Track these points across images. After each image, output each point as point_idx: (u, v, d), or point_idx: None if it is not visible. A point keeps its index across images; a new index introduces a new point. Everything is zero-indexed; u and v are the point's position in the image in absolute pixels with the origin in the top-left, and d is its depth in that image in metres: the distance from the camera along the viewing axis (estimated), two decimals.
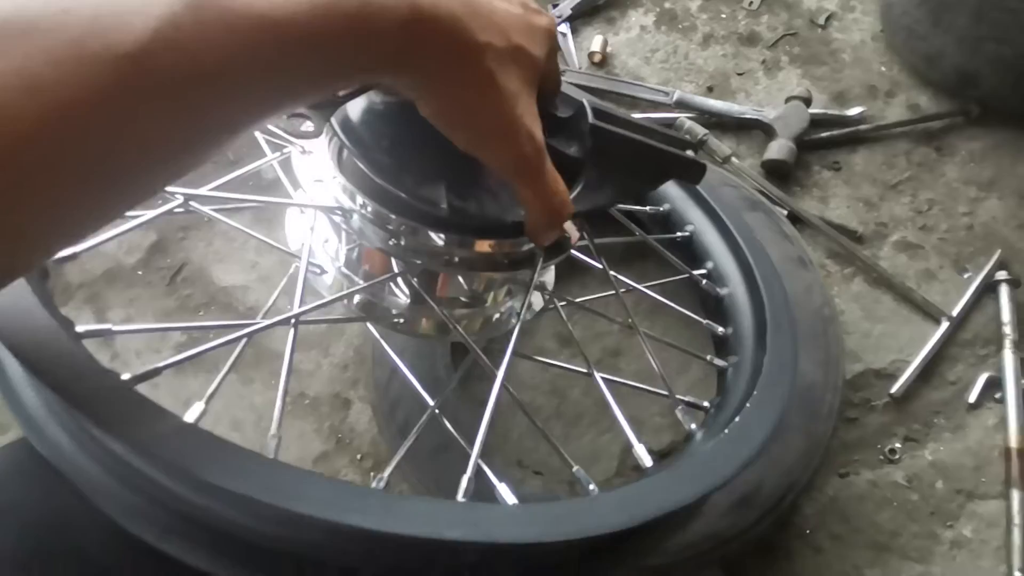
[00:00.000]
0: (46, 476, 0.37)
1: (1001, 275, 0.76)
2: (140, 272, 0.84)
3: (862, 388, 0.74)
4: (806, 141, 0.86)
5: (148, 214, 0.46)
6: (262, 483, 0.31)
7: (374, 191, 0.42)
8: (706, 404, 0.57)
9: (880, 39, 0.94)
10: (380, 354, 0.72)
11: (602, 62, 0.96)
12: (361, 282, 0.49)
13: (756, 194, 0.81)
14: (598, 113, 0.42)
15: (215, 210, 0.50)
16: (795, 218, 0.82)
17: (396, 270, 0.48)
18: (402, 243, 0.44)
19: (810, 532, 0.68)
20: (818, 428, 0.67)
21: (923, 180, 0.85)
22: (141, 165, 0.25)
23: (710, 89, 0.93)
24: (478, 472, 0.40)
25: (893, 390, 0.72)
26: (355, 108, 0.41)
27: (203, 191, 0.48)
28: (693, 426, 0.53)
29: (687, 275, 0.64)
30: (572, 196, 0.41)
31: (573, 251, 0.51)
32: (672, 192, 0.71)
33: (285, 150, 0.53)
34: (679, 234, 0.68)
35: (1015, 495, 0.66)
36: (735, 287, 0.64)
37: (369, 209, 0.43)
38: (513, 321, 0.53)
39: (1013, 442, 0.68)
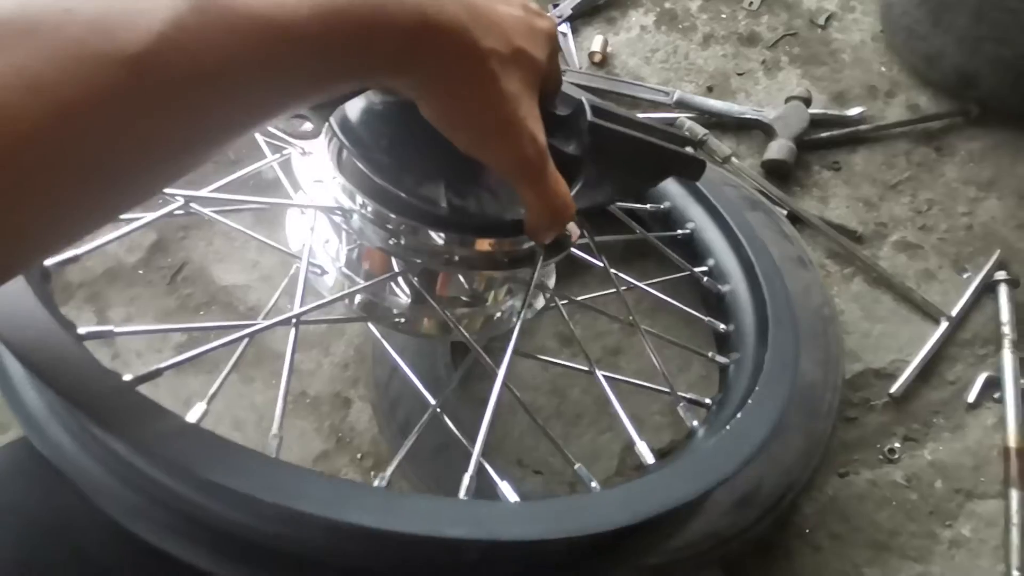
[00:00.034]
0: (47, 475, 0.37)
1: (1000, 275, 0.76)
2: (141, 271, 0.85)
3: (862, 388, 0.74)
4: (806, 141, 0.86)
5: (149, 216, 0.46)
6: (263, 481, 0.31)
7: (374, 191, 0.42)
8: (708, 401, 0.57)
9: (880, 39, 0.94)
10: (380, 353, 0.72)
11: (602, 62, 0.96)
12: (362, 282, 0.49)
13: (756, 194, 0.81)
14: (597, 111, 0.42)
15: (216, 212, 0.50)
16: (795, 218, 0.82)
17: (396, 270, 0.48)
18: (402, 242, 0.44)
19: (809, 531, 0.68)
20: (818, 427, 0.68)
21: (923, 180, 0.85)
22: (141, 165, 0.25)
23: (710, 89, 0.93)
24: (479, 470, 0.40)
25: (892, 390, 0.73)
26: (354, 108, 0.42)
27: (204, 193, 0.48)
28: (695, 423, 0.53)
29: (688, 272, 0.64)
30: (572, 194, 0.41)
31: (574, 249, 0.51)
32: (672, 190, 0.71)
33: (285, 151, 0.53)
34: (680, 232, 0.68)
35: (1014, 494, 0.66)
36: (736, 284, 0.64)
37: (369, 209, 0.43)
38: (514, 320, 0.54)
39: (1012, 442, 0.69)
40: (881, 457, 0.71)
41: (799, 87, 0.91)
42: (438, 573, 0.38)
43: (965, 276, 0.78)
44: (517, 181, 0.38)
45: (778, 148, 0.84)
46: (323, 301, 0.46)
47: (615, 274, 0.57)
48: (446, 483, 0.64)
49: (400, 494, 0.34)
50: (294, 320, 0.43)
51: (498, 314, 0.54)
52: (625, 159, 0.45)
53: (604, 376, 0.52)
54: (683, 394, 0.55)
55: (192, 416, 0.37)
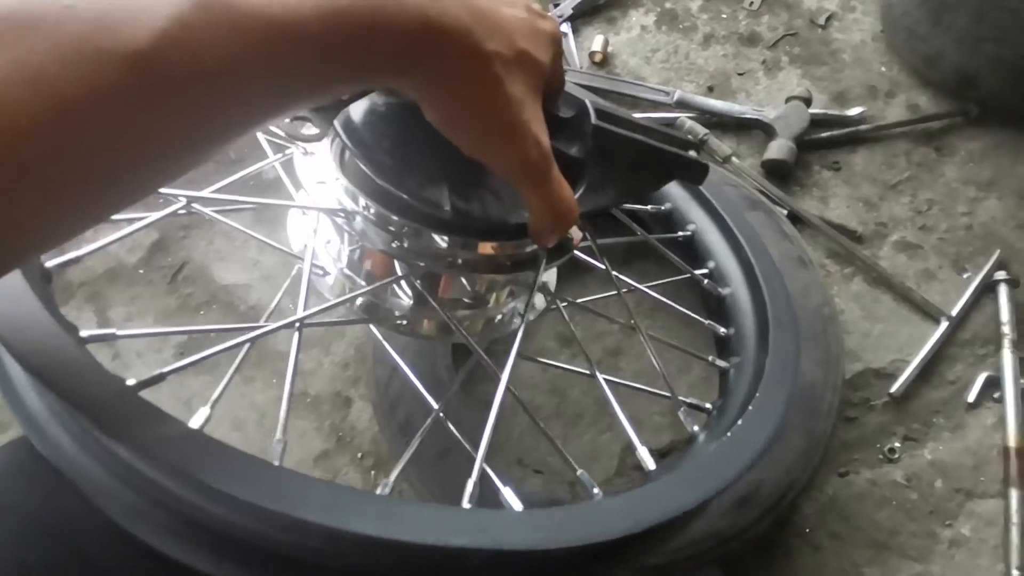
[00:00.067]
0: (47, 475, 0.37)
1: (1000, 275, 0.77)
2: (141, 271, 0.85)
3: (862, 387, 0.74)
4: (806, 141, 0.86)
5: (151, 216, 0.46)
6: (267, 489, 0.31)
7: (377, 193, 0.42)
8: (708, 406, 0.57)
9: (880, 39, 0.94)
10: (381, 353, 0.72)
11: (603, 62, 0.96)
12: (363, 283, 0.49)
13: (756, 194, 0.81)
14: (600, 113, 0.42)
15: (217, 212, 0.50)
16: (795, 218, 0.82)
17: (399, 272, 0.48)
18: (405, 245, 0.44)
19: (809, 531, 0.68)
20: (818, 427, 0.68)
21: (923, 180, 0.85)
22: (141, 164, 0.25)
23: (710, 89, 0.93)
24: (482, 476, 0.40)
25: (892, 389, 0.73)
26: (357, 109, 0.41)
27: (205, 193, 0.48)
28: (696, 428, 0.54)
29: (689, 275, 0.64)
30: (575, 197, 0.41)
31: (575, 251, 0.51)
32: (673, 191, 0.71)
33: (287, 151, 0.53)
34: (680, 234, 0.68)
35: (1013, 494, 0.66)
36: (737, 287, 0.64)
37: (372, 211, 0.43)
38: (515, 322, 0.54)
39: (1012, 441, 0.69)
40: (881, 457, 0.71)
41: (799, 87, 0.91)
42: None
43: (965, 276, 0.79)
44: (521, 184, 0.38)
45: (778, 148, 0.84)
46: (327, 305, 0.45)
47: (616, 276, 0.57)
48: (449, 487, 0.64)
49: (404, 501, 0.34)
50: (298, 324, 0.43)
51: (499, 316, 0.54)
52: (629, 163, 0.44)
53: (605, 380, 0.52)
54: (684, 399, 0.55)
55: (196, 421, 0.37)
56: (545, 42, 0.37)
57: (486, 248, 0.45)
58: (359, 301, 0.50)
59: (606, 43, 0.96)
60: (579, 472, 0.46)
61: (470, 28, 0.31)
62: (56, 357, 0.34)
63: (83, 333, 0.38)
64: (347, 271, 0.49)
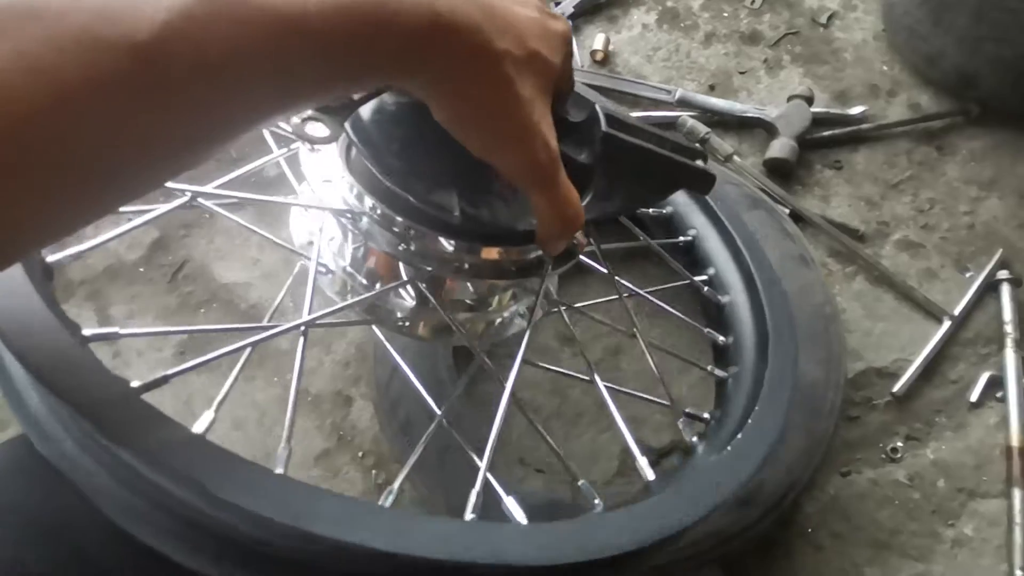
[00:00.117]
0: (47, 475, 0.37)
1: (1002, 274, 0.76)
2: (142, 269, 0.84)
3: (864, 387, 0.74)
4: (808, 140, 0.86)
5: (155, 211, 0.46)
6: (272, 500, 0.31)
7: (384, 194, 0.42)
8: (706, 416, 0.58)
9: (882, 38, 0.94)
10: (382, 352, 0.72)
11: (604, 60, 0.96)
12: (364, 281, 0.49)
13: (758, 192, 0.81)
14: (611, 120, 0.42)
15: (222, 207, 0.50)
16: (797, 217, 0.82)
17: (404, 274, 0.48)
18: (411, 248, 0.43)
19: (811, 530, 0.68)
20: (820, 426, 0.67)
21: (924, 179, 0.85)
22: (142, 157, 0.25)
23: (712, 87, 0.93)
24: (485, 484, 0.41)
25: (895, 389, 0.72)
26: (366, 108, 0.41)
27: (210, 188, 0.48)
28: (694, 439, 0.54)
29: (688, 281, 0.64)
30: (583, 204, 0.41)
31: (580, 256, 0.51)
32: (675, 195, 0.70)
33: (293, 146, 0.53)
34: (681, 239, 0.68)
35: (1017, 494, 0.66)
36: (736, 295, 0.64)
37: (378, 212, 0.43)
38: (516, 324, 0.53)
39: (1015, 441, 0.69)
40: (883, 456, 0.71)
41: (801, 86, 0.90)
42: None
43: (967, 275, 0.78)
44: (529, 187, 0.37)
45: (780, 147, 0.84)
46: (333, 308, 0.45)
47: (618, 281, 0.57)
48: (450, 487, 0.64)
49: (409, 514, 0.34)
50: (303, 327, 0.43)
51: (500, 319, 0.54)
52: (636, 171, 0.44)
53: (605, 386, 0.51)
54: (683, 409, 0.56)
55: (199, 425, 0.37)
56: (556, 43, 0.36)
57: (492, 253, 0.45)
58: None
59: (607, 42, 0.96)
60: (580, 482, 0.47)
61: (481, 26, 0.31)
62: (58, 357, 0.33)
63: (85, 332, 0.37)
64: (349, 269, 0.49)
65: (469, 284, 0.50)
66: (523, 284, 0.52)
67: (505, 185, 0.41)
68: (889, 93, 0.90)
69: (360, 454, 0.74)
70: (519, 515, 0.42)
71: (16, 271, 0.36)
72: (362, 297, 0.48)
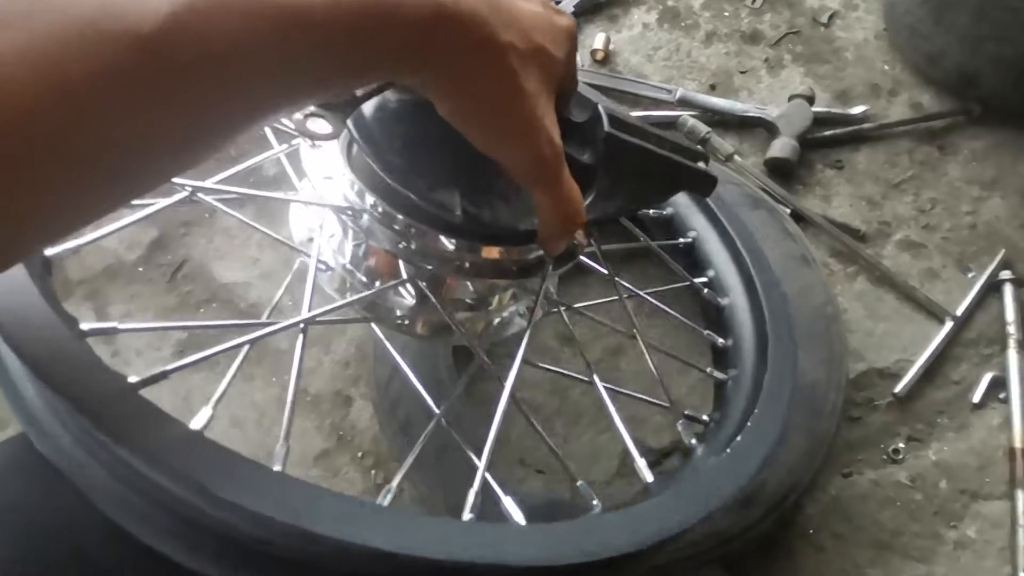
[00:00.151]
0: (46, 474, 0.36)
1: (1005, 275, 0.76)
2: (141, 268, 0.84)
3: (865, 387, 0.74)
4: (809, 139, 0.86)
5: (154, 205, 0.46)
6: (272, 499, 0.31)
7: (385, 192, 0.41)
8: (705, 418, 0.57)
9: (883, 38, 0.94)
10: (381, 352, 0.72)
11: (604, 60, 0.95)
12: (364, 279, 0.49)
13: (759, 192, 0.81)
14: (613, 120, 0.41)
15: (222, 203, 0.49)
16: (798, 216, 0.81)
17: (403, 270, 0.48)
18: (412, 246, 0.43)
19: (812, 531, 0.68)
20: (821, 427, 0.67)
21: (926, 179, 0.84)
22: (145, 152, 0.25)
23: (713, 87, 0.93)
24: (484, 484, 0.40)
25: (897, 389, 0.72)
26: (368, 105, 0.41)
27: (210, 183, 0.48)
28: (693, 441, 0.54)
29: (688, 283, 0.64)
30: (584, 204, 0.41)
31: (580, 256, 0.51)
32: (676, 197, 0.70)
33: (293, 142, 0.52)
34: (681, 240, 0.68)
35: (1020, 495, 0.66)
36: (736, 297, 0.63)
37: (379, 210, 0.43)
38: (516, 323, 0.53)
39: (1018, 442, 0.68)
40: (885, 457, 0.70)
41: (802, 85, 0.90)
42: None
43: (969, 275, 0.78)
44: (532, 184, 0.37)
45: (781, 146, 0.84)
46: (332, 306, 0.45)
47: (619, 283, 0.56)
48: (449, 485, 0.64)
49: (409, 514, 0.34)
50: (302, 325, 0.43)
51: (500, 319, 0.53)
52: (639, 172, 0.44)
53: (604, 387, 0.51)
54: (682, 411, 0.55)
55: (197, 422, 0.37)
56: (561, 38, 0.36)
57: (493, 253, 0.44)
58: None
59: (608, 41, 0.95)
60: (579, 483, 0.47)
61: (486, 18, 0.31)
62: (55, 350, 0.33)
63: (83, 326, 0.37)
64: (349, 266, 0.49)
65: (469, 283, 0.50)
66: (523, 284, 0.51)
67: (507, 184, 0.41)
68: (890, 92, 0.90)
69: (360, 454, 0.74)
70: (517, 515, 0.42)
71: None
72: (362, 295, 0.48)
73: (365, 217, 0.44)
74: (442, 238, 0.43)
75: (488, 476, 0.41)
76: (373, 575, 0.35)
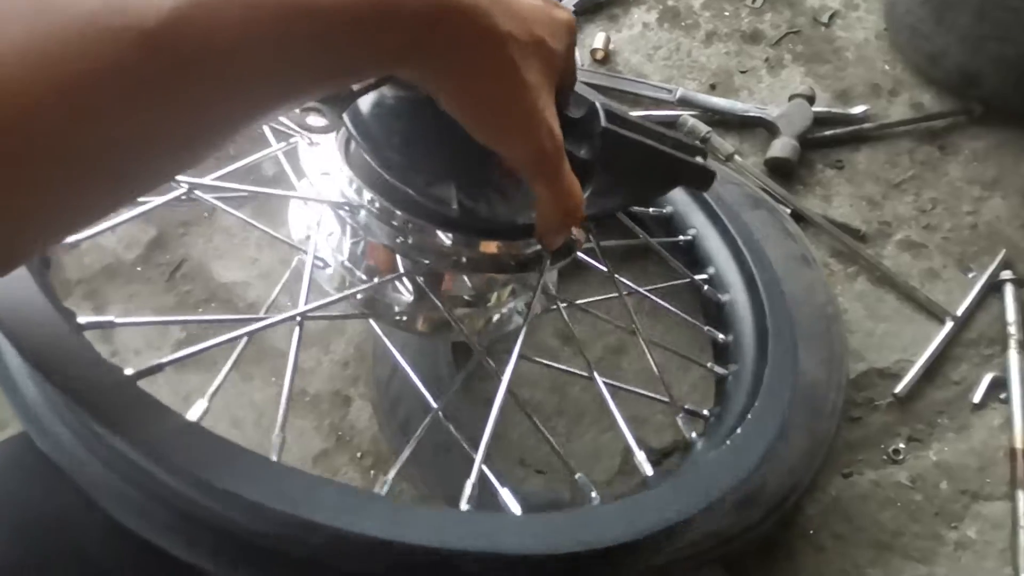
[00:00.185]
0: (45, 472, 0.36)
1: (1006, 275, 0.76)
2: (139, 268, 0.84)
3: (866, 387, 0.73)
4: (809, 139, 0.85)
5: (151, 202, 0.45)
6: (268, 488, 0.31)
7: (383, 187, 0.41)
8: (706, 412, 0.57)
9: (884, 37, 0.94)
10: (381, 351, 0.72)
11: (604, 59, 0.95)
12: (364, 276, 0.49)
13: (759, 192, 0.80)
14: (610, 115, 0.41)
15: (220, 201, 0.49)
16: (798, 216, 0.81)
17: (401, 268, 0.48)
18: (409, 241, 0.43)
19: (812, 531, 0.67)
20: (822, 427, 0.67)
21: (926, 179, 0.84)
22: (148, 150, 0.25)
23: (713, 87, 0.93)
24: (481, 477, 0.40)
25: (897, 390, 0.72)
26: (365, 102, 0.41)
27: (208, 180, 0.48)
28: (694, 435, 0.54)
29: (688, 280, 0.64)
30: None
31: (579, 253, 0.51)
32: (675, 195, 0.70)
33: (292, 140, 0.52)
34: (681, 238, 0.68)
35: (1020, 496, 0.66)
36: (736, 294, 0.63)
37: (377, 205, 0.43)
38: (515, 320, 0.53)
39: (1018, 443, 0.68)
40: (885, 457, 0.70)
41: (803, 85, 0.90)
42: None
43: (970, 276, 0.78)
44: (533, 176, 0.37)
45: (781, 146, 0.84)
46: (328, 300, 0.45)
47: (618, 279, 0.56)
48: (449, 485, 0.64)
49: (404, 503, 0.34)
50: (298, 318, 0.43)
51: (499, 315, 0.53)
52: (636, 167, 0.44)
53: (604, 383, 0.51)
54: (682, 406, 0.55)
55: (193, 414, 0.37)
56: (561, 32, 0.36)
57: (490, 247, 0.44)
58: (359, 296, 0.50)
59: (608, 40, 0.95)
60: (577, 476, 0.46)
61: (487, 10, 0.31)
62: (53, 343, 0.33)
63: (80, 320, 0.37)
64: (347, 264, 0.49)
65: (467, 280, 0.50)
66: (522, 280, 0.51)
67: (504, 180, 0.41)
68: (891, 92, 0.90)
69: (359, 454, 0.73)
70: (514, 507, 0.41)
71: None
72: (359, 288, 0.48)
73: (362, 213, 0.44)
74: (439, 233, 0.43)
75: (485, 468, 0.41)
76: (370, 565, 0.35)
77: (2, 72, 0.21)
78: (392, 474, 0.43)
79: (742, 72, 0.94)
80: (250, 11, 0.24)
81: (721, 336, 0.62)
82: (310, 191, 0.46)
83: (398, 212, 0.42)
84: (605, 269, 0.57)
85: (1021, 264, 0.78)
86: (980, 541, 0.66)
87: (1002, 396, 0.71)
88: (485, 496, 0.40)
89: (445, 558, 0.33)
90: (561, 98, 0.40)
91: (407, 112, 0.40)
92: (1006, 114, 0.86)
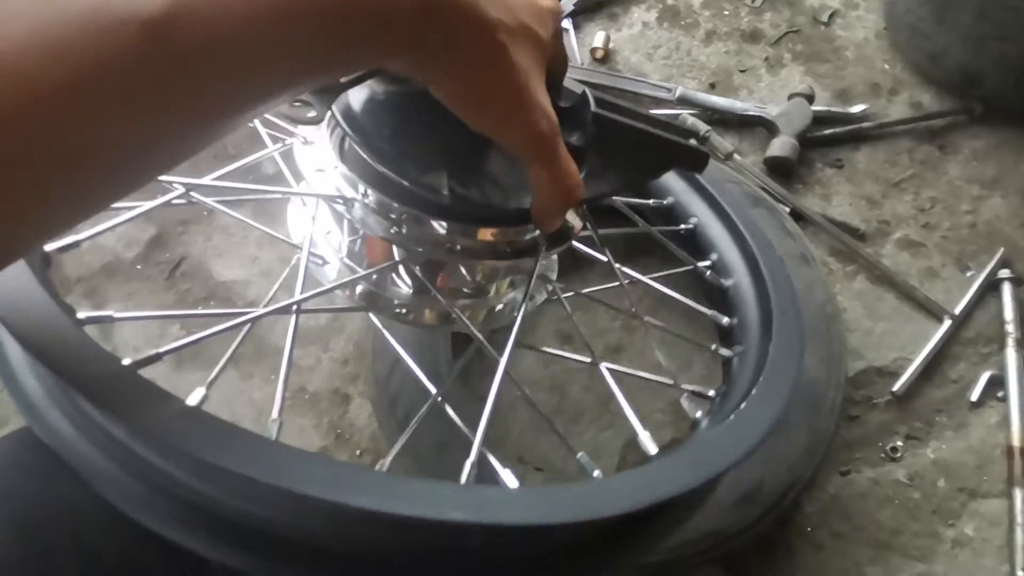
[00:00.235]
0: (46, 464, 0.37)
1: (1004, 273, 0.76)
2: (139, 266, 0.84)
3: (864, 386, 0.74)
4: (809, 138, 0.86)
5: (148, 204, 0.46)
6: (264, 464, 0.31)
7: (376, 179, 0.42)
8: (711, 393, 0.57)
9: (883, 37, 0.94)
10: (380, 349, 0.72)
11: (604, 58, 0.95)
12: (363, 272, 0.49)
13: (758, 191, 0.81)
14: (600, 101, 0.42)
15: (217, 201, 0.50)
16: (797, 215, 0.81)
17: (398, 259, 0.48)
18: (404, 231, 0.43)
19: (811, 530, 0.68)
20: (820, 425, 0.67)
21: (926, 178, 0.84)
22: (147, 141, 0.25)
23: (712, 86, 0.93)
24: (481, 460, 0.40)
25: (895, 388, 0.72)
26: (357, 98, 0.41)
27: (205, 181, 0.48)
28: (698, 414, 0.53)
29: (692, 267, 0.64)
30: None
31: (578, 243, 0.51)
32: (675, 185, 0.70)
33: (287, 141, 0.53)
34: (683, 227, 0.68)
35: (1018, 494, 0.66)
36: (740, 278, 0.63)
37: (371, 198, 0.43)
38: (516, 312, 0.53)
39: (1016, 441, 0.68)
40: (883, 455, 0.70)
41: (802, 84, 0.90)
42: (437, 558, 0.37)
43: (968, 274, 0.78)
44: (531, 158, 0.37)
45: (781, 145, 0.84)
46: (324, 288, 0.45)
47: (619, 268, 0.56)
48: (449, 480, 0.64)
49: (402, 477, 0.34)
50: (295, 307, 0.43)
51: (500, 306, 0.54)
52: (629, 150, 0.44)
53: (607, 368, 0.51)
54: (686, 386, 0.54)
55: (192, 400, 0.37)
56: (546, 18, 0.37)
57: (485, 235, 0.44)
58: (359, 290, 0.50)
59: (607, 39, 0.95)
60: (579, 455, 0.46)
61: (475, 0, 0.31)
62: (54, 337, 0.34)
63: (80, 314, 0.38)
64: (347, 260, 0.49)
65: (466, 271, 0.50)
66: (520, 269, 0.51)
67: (497, 167, 0.41)
68: (891, 91, 0.90)
69: (358, 452, 0.74)
70: (514, 484, 0.41)
71: None
72: (354, 277, 0.48)
73: (357, 206, 0.44)
74: (433, 222, 0.43)
75: (485, 450, 0.41)
76: (365, 538, 0.35)
77: (2, 71, 0.21)
78: (390, 458, 0.43)
79: (741, 71, 0.94)
80: (249, 3, 0.25)
81: (726, 319, 0.62)
82: (305, 187, 0.47)
83: (392, 203, 0.42)
84: (605, 259, 0.57)
85: (1019, 263, 0.78)
86: (978, 539, 0.66)
87: (1000, 394, 0.71)
88: (485, 480, 0.40)
89: (445, 530, 0.33)
90: (553, 89, 0.40)
91: (397, 105, 0.41)
92: (1006, 113, 0.86)
